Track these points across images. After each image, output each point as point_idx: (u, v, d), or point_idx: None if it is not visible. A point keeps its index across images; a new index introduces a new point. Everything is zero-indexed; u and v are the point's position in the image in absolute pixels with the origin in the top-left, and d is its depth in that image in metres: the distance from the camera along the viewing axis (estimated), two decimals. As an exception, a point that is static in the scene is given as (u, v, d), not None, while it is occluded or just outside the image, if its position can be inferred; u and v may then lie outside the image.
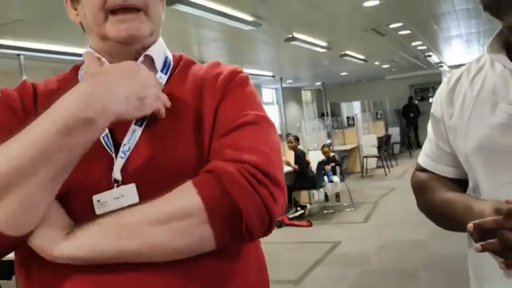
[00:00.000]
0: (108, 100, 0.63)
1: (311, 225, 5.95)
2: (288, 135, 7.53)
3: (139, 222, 0.65)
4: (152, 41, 0.80)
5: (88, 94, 0.62)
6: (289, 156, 6.66)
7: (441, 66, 13.35)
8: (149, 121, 0.75)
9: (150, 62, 0.80)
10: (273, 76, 10.85)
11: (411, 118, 14.24)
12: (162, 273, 0.68)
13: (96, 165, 0.71)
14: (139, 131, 0.74)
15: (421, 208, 1.09)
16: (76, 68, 0.84)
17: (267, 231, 0.70)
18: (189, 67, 0.84)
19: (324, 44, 7.18)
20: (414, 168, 1.14)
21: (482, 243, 0.78)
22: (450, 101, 1.00)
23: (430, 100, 15.40)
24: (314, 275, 4.14)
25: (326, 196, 6.97)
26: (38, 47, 4.75)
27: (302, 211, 6.47)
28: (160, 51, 0.82)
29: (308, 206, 6.71)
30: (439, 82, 16.21)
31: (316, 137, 9.05)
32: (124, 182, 0.70)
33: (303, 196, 6.97)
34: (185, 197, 0.66)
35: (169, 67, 0.82)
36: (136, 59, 0.78)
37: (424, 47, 9.20)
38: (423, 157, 1.11)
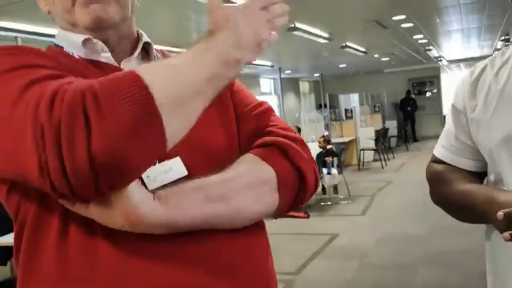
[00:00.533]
0: (247, 48, 0.67)
1: (308, 216, 5.93)
2: (287, 126, 7.46)
3: (224, 186, 0.69)
4: (128, 29, 0.81)
5: (238, 39, 0.66)
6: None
7: (440, 61, 13.32)
8: None
9: (144, 50, 0.82)
10: (272, 66, 10.78)
11: (408, 112, 14.24)
12: (208, 245, 0.70)
13: None
14: None
15: (437, 200, 1.08)
16: (54, 49, 0.79)
17: (310, 197, 0.82)
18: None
19: (326, 35, 7.11)
20: (430, 160, 1.11)
21: (510, 232, 0.77)
22: (473, 93, 0.98)
23: (428, 94, 15.41)
24: (312, 267, 4.13)
25: (324, 189, 6.93)
26: (36, 30, 4.66)
27: (299, 203, 6.44)
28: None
29: (306, 197, 6.68)
30: (437, 76, 16.24)
31: (314, 128, 9.02)
32: (160, 159, 0.70)
33: (300, 187, 6.93)
34: (259, 167, 0.73)
35: (158, 57, 0.85)
36: (116, 47, 0.78)
37: (425, 41, 9.15)
38: (440, 148, 1.08)
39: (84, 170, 0.53)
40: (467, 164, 1.03)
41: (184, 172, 0.70)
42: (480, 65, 1.01)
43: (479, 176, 1.02)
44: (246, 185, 0.71)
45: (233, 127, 0.81)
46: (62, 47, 0.78)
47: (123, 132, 0.54)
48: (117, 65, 0.77)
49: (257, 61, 9.80)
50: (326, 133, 9.26)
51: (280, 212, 0.76)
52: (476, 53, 12.16)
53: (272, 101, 13.11)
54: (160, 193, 0.65)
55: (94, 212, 0.63)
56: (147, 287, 0.65)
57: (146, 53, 0.83)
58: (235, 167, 0.72)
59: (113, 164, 0.54)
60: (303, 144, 0.80)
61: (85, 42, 0.76)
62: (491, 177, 0.97)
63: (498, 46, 10.69)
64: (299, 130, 6.75)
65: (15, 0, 3.72)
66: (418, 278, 3.74)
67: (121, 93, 0.55)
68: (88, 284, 0.65)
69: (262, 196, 0.72)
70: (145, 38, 0.83)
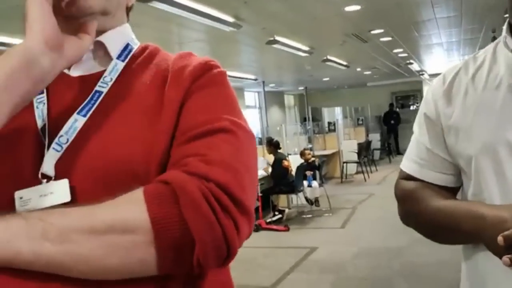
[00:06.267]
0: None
1: (288, 229, 5.91)
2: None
3: (69, 226, 0.53)
4: (109, 24, 0.71)
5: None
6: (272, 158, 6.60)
7: (422, 74, 13.50)
8: (95, 112, 0.65)
9: (101, 48, 0.71)
10: (255, 80, 10.82)
11: (391, 125, 14.37)
12: None
13: (26, 157, 0.62)
14: (81, 121, 0.64)
15: (408, 220, 0.99)
16: None
17: (223, 264, 0.59)
18: (154, 57, 0.74)
19: (306, 48, 7.17)
20: (398, 177, 1.02)
21: (510, 256, 0.71)
22: (449, 100, 0.92)
23: (411, 107, 15.58)
24: (289, 281, 4.09)
25: (307, 200, 6.90)
26: (13, 42, 4.62)
27: (280, 216, 6.42)
28: (117, 38, 0.73)
29: (287, 210, 6.66)
30: (420, 90, 16.39)
31: (297, 141, 9.03)
32: (57, 179, 0.61)
33: (281, 200, 6.92)
34: (131, 208, 0.55)
35: (128, 55, 0.72)
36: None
37: (405, 55, 9.27)
38: (410, 163, 0.99)
39: None
40: (442, 179, 0.95)
41: (66, 197, 0.58)
42: (451, 71, 0.95)
43: (452, 191, 0.95)
44: (99, 229, 0.54)
45: (159, 150, 0.63)
46: None
47: None
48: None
49: (240, 74, 9.85)
50: (309, 146, 9.27)
51: (167, 272, 0.57)
52: (457, 67, 12.34)
53: (255, 114, 13.12)
54: None
55: None
56: None
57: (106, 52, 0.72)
58: (105, 204, 0.56)
59: None
60: (228, 195, 0.57)
61: None
62: (470, 190, 0.90)
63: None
64: (272, 144, 6.62)
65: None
66: (394, 291, 3.73)
67: None
68: None
69: (125, 247, 0.54)
70: (103, 36, 0.71)
